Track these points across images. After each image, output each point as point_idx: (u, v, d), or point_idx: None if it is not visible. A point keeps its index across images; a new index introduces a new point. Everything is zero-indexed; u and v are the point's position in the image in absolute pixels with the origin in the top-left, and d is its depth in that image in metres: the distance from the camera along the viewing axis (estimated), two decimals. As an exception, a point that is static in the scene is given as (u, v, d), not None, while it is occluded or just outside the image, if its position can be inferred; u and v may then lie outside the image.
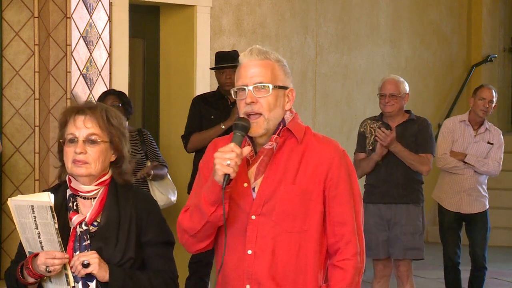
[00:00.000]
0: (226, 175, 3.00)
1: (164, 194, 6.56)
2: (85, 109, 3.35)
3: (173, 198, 6.62)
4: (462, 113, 7.61)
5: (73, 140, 3.31)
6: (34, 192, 6.04)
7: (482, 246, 7.13)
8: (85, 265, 3.22)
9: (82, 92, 6.06)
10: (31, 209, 3.20)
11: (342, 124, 9.18)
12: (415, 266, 8.01)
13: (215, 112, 6.84)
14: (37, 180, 6.11)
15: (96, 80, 6.16)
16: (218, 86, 6.93)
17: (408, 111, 6.47)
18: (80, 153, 3.29)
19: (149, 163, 6.48)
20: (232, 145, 3.03)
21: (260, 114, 3.14)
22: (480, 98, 7.15)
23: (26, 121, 6.03)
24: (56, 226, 3.20)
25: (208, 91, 7.37)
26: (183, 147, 6.81)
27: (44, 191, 3.43)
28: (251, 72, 3.17)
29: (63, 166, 3.40)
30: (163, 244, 3.41)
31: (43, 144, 6.03)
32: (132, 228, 3.33)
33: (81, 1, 5.99)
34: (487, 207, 7.18)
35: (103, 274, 3.25)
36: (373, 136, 6.36)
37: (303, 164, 3.16)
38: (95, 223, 3.33)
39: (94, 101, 6.01)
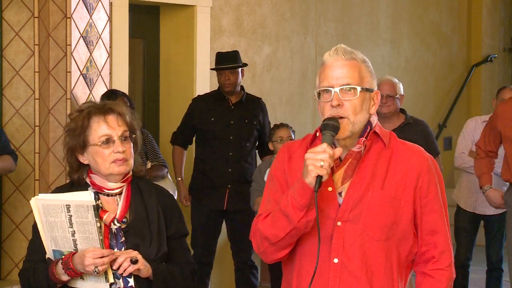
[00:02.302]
0: (319, 177, 2.84)
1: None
2: (113, 107, 3.37)
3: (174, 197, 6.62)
4: (462, 112, 7.61)
5: (109, 141, 3.32)
6: (34, 193, 6.04)
7: (497, 248, 7.10)
8: (134, 262, 3.23)
9: (82, 92, 6.06)
10: (66, 208, 3.19)
11: (342, 124, 9.17)
12: (415, 266, 8.01)
13: (215, 114, 6.84)
14: (37, 180, 6.11)
15: (96, 80, 6.15)
16: (219, 86, 6.93)
17: (402, 111, 6.46)
18: (123, 151, 3.31)
19: (149, 164, 6.48)
20: (324, 145, 2.86)
21: (345, 117, 2.97)
22: (501, 100, 7.09)
23: (26, 121, 6.03)
24: (99, 224, 3.21)
25: (208, 91, 7.37)
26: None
27: (56, 188, 3.45)
28: (338, 73, 3.01)
29: (80, 169, 3.39)
30: (184, 237, 3.47)
31: (43, 144, 6.02)
32: (161, 222, 3.37)
33: (81, 1, 5.99)
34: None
35: (147, 268, 3.27)
36: None
37: (391, 169, 3.02)
38: (124, 220, 3.35)
39: (95, 101, 6.01)
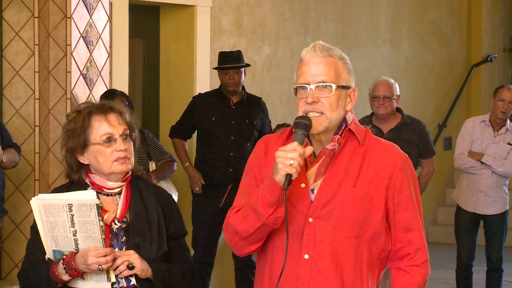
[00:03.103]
0: (288, 175, 2.86)
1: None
2: (113, 106, 3.38)
3: (174, 197, 6.62)
4: (462, 112, 7.61)
5: (110, 139, 3.33)
6: (34, 193, 6.04)
7: (497, 247, 7.10)
8: (131, 268, 3.25)
9: (82, 92, 6.05)
10: (68, 207, 3.20)
11: (342, 124, 9.17)
12: (415, 266, 8.00)
13: (216, 113, 6.84)
14: (37, 180, 6.11)
15: (96, 80, 6.15)
16: (220, 85, 6.93)
17: (399, 110, 6.46)
18: (125, 150, 3.32)
19: (153, 164, 6.48)
20: (295, 144, 2.88)
21: (322, 113, 3.00)
22: (500, 99, 7.09)
23: (26, 121, 6.03)
24: (101, 223, 3.22)
25: (208, 91, 7.36)
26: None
27: (55, 189, 3.45)
28: (314, 70, 3.02)
29: (80, 169, 3.40)
30: (183, 236, 3.48)
31: (43, 144, 6.02)
32: (161, 222, 3.38)
33: (81, 1, 5.99)
34: (507, 208, 7.12)
35: (145, 271, 3.28)
36: None
37: (364, 167, 3.02)
38: (124, 219, 3.36)
39: (94, 101, 6.01)
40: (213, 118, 6.82)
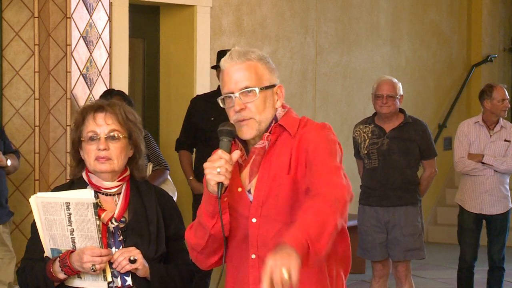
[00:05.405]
0: (219, 184, 2.88)
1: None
2: (104, 106, 3.38)
3: (173, 198, 6.62)
4: (462, 112, 7.61)
5: (94, 138, 3.34)
6: (34, 192, 6.05)
7: (499, 247, 7.10)
8: (132, 261, 3.25)
9: (82, 92, 6.06)
10: (66, 206, 3.21)
11: (342, 124, 9.18)
12: (415, 266, 8.01)
13: (215, 113, 6.83)
14: (37, 180, 6.11)
15: (96, 80, 6.16)
16: (219, 86, 6.93)
17: (401, 110, 6.47)
18: (104, 149, 3.32)
19: (150, 166, 6.48)
20: (219, 152, 2.91)
21: (251, 118, 3.02)
22: (498, 100, 7.09)
23: (26, 121, 6.03)
24: (98, 222, 3.22)
25: (208, 91, 7.37)
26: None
27: (56, 188, 3.46)
28: (235, 78, 3.03)
29: (79, 164, 3.42)
30: (183, 239, 3.45)
31: (43, 144, 6.03)
32: (160, 223, 3.38)
33: (81, 1, 5.99)
34: (510, 207, 7.12)
35: (145, 268, 3.29)
36: (367, 141, 6.38)
37: (294, 154, 3.01)
38: (123, 219, 3.36)
39: (94, 101, 6.01)
40: (212, 118, 6.82)
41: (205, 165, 2.91)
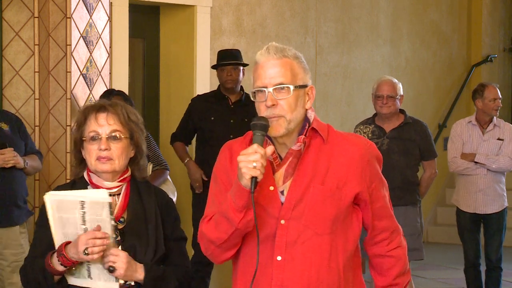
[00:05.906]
0: (254, 178, 2.86)
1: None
2: (106, 106, 3.38)
3: (173, 198, 6.62)
4: (462, 112, 7.62)
5: (96, 138, 3.34)
6: (34, 193, 6.04)
7: (496, 246, 7.10)
8: (111, 270, 3.23)
9: (82, 92, 6.06)
10: (81, 204, 3.19)
11: (342, 124, 9.18)
12: (415, 266, 8.02)
13: (215, 113, 6.84)
14: (37, 180, 6.11)
15: (96, 80, 6.16)
16: (219, 86, 6.93)
17: (402, 111, 6.47)
18: (105, 149, 3.32)
19: (150, 166, 6.48)
20: (255, 146, 2.88)
21: (281, 116, 2.99)
22: (490, 100, 7.12)
23: (26, 121, 6.03)
24: (113, 222, 3.21)
25: (208, 91, 7.37)
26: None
27: (58, 187, 3.45)
28: (270, 73, 3.00)
29: (81, 164, 3.42)
30: (181, 240, 3.46)
31: (43, 144, 6.03)
32: (159, 224, 3.38)
33: (81, 1, 5.99)
34: (505, 206, 7.13)
35: (132, 275, 3.26)
36: None
37: (332, 163, 3.04)
38: (121, 219, 3.36)
39: (94, 101, 6.01)
40: (212, 118, 6.82)
41: (239, 158, 2.89)
